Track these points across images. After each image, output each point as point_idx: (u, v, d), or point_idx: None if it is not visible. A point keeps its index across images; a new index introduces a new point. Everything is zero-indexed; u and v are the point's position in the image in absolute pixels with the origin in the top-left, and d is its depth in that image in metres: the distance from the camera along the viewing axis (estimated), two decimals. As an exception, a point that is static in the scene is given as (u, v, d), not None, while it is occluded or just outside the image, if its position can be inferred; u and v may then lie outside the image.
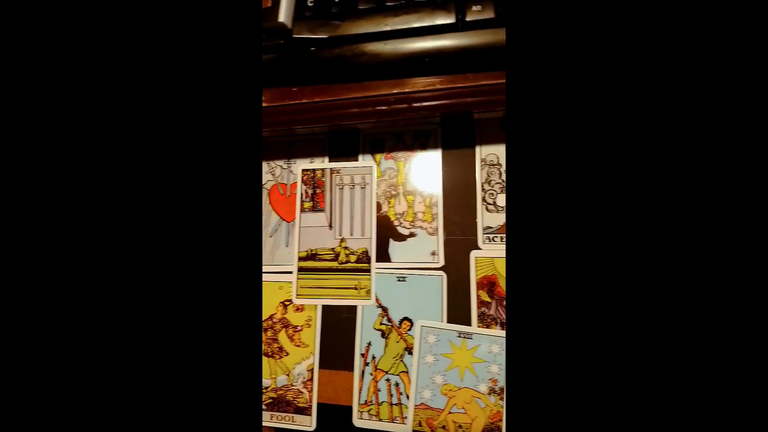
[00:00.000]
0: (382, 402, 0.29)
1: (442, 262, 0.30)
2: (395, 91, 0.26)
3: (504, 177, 0.30)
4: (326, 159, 0.34)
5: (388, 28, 0.25)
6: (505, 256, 0.29)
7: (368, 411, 0.29)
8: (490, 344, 0.28)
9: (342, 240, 0.32)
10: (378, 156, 0.33)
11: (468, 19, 0.24)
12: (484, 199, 0.30)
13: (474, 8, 0.24)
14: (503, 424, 0.27)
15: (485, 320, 0.29)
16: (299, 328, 0.31)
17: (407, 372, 0.29)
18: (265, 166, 0.34)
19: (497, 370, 0.28)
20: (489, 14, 0.24)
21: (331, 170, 0.33)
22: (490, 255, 0.29)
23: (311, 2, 0.27)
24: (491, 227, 0.30)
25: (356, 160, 0.33)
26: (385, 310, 0.30)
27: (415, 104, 0.27)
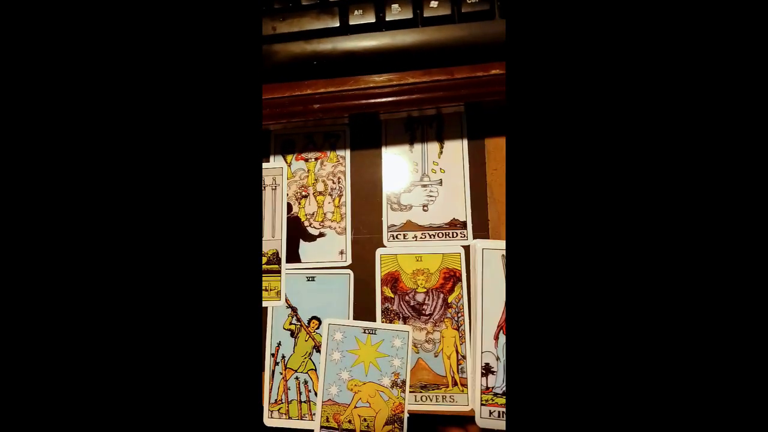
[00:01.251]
0: (291, 400, 0.30)
1: (349, 261, 0.31)
2: (288, 94, 0.27)
3: (410, 178, 0.31)
4: (238, 161, 0.34)
5: (277, 32, 0.26)
6: (407, 252, 0.30)
7: (278, 410, 0.30)
8: (393, 338, 0.29)
9: (253, 242, 0.32)
10: (289, 157, 0.33)
11: (351, 23, 0.25)
12: (389, 198, 0.31)
13: (356, 12, 0.24)
14: (404, 416, 0.28)
15: (389, 315, 0.30)
16: (210, 331, 0.31)
17: (315, 370, 0.30)
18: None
19: (399, 363, 0.29)
20: (370, 18, 0.24)
21: (243, 172, 0.33)
22: (393, 252, 0.30)
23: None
24: (395, 225, 0.31)
25: (267, 161, 0.33)
26: (294, 310, 0.31)
27: (311, 106, 0.27)
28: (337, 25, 0.25)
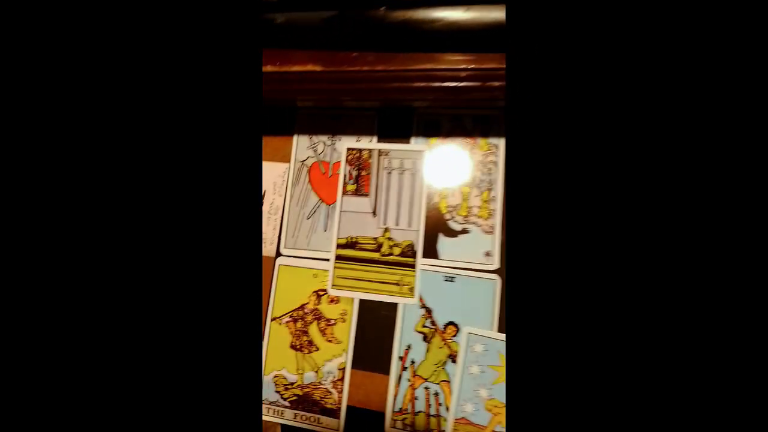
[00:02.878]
0: (418, 412, 0.27)
1: (497, 265, 0.27)
2: (470, 66, 0.23)
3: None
4: (374, 138, 0.30)
5: (470, -9, 0.22)
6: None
7: (402, 420, 0.27)
8: (547, 361, 0.25)
9: (386, 230, 0.29)
10: (432, 139, 0.29)
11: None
12: (551, 198, 0.27)
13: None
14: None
15: (543, 334, 0.26)
16: (333, 321, 0.29)
17: (449, 382, 0.26)
18: (306, 140, 0.31)
19: (553, 390, 0.25)
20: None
21: (380, 151, 0.30)
22: (554, 261, 0.26)
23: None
24: (558, 230, 0.26)
25: (408, 142, 0.30)
26: (429, 311, 0.27)
27: (490, 83, 0.24)
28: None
